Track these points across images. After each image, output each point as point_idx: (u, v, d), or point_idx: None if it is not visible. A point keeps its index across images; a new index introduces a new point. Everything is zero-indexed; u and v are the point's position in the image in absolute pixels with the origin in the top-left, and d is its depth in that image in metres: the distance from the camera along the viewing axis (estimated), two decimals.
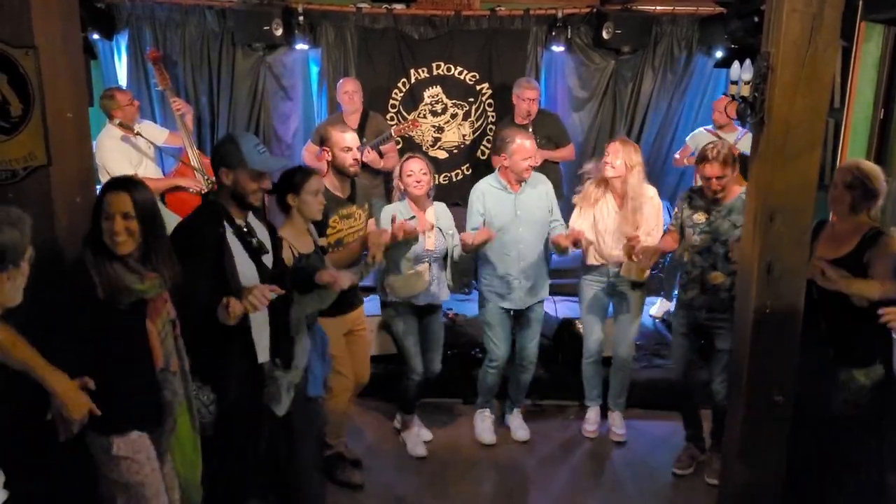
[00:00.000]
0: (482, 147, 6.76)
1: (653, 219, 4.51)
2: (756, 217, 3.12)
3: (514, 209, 4.47)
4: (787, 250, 3.08)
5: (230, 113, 6.63)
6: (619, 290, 4.61)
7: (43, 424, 2.50)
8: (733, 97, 3.13)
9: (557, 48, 6.56)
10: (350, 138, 3.98)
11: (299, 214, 3.57)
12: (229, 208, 3.11)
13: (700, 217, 4.15)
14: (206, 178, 5.25)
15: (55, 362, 2.45)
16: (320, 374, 3.62)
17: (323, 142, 5.66)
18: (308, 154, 5.98)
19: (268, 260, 3.19)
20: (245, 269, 3.05)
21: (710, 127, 6.18)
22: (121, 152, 5.09)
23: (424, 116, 6.66)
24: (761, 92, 2.99)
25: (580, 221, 4.57)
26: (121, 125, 5.08)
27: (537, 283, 4.57)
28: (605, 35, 6.33)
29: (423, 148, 6.74)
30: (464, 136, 6.78)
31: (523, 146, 4.39)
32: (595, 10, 6.49)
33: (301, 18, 6.24)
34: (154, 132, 5.47)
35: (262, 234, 3.23)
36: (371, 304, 4.71)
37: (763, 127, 3.03)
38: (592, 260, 4.58)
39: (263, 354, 3.14)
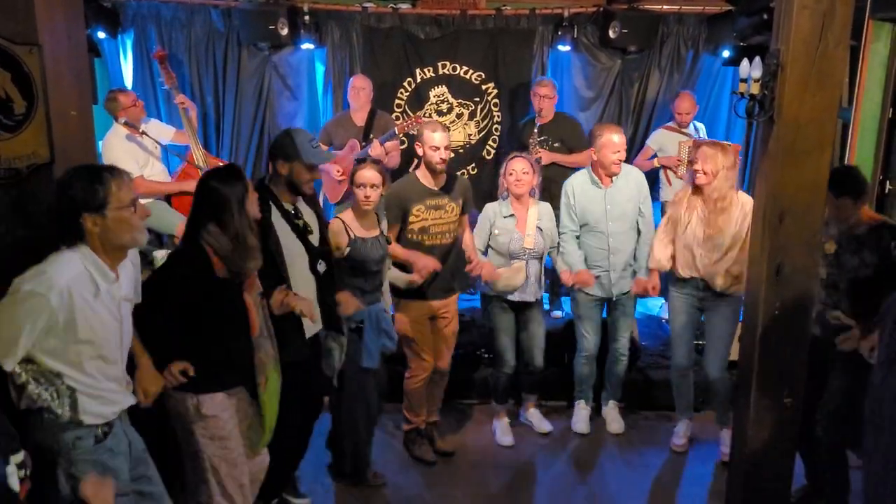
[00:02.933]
0: (488, 146, 6.73)
1: (739, 224, 4.20)
2: (765, 217, 3.09)
3: (603, 204, 4.53)
4: (796, 251, 3.06)
5: (235, 112, 6.62)
6: (712, 303, 4.40)
7: None
8: (742, 95, 3.09)
9: (563, 48, 6.53)
10: (438, 138, 4.17)
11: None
12: (279, 194, 3.45)
13: (830, 247, 3.67)
14: None
15: (162, 334, 2.87)
16: (374, 348, 3.92)
17: (331, 139, 5.70)
18: None
19: (314, 239, 3.54)
20: (292, 246, 3.42)
21: (670, 124, 6.16)
22: (127, 151, 5.09)
23: (430, 116, 6.64)
24: (771, 90, 2.96)
25: (664, 236, 4.45)
26: (126, 124, 5.08)
27: (627, 274, 4.63)
28: (611, 34, 6.30)
29: None
30: (469, 135, 6.75)
31: (611, 140, 4.44)
32: (601, 9, 6.46)
33: (306, 18, 6.22)
34: (160, 130, 5.47)
35: (309, 217, 3.57)
36: None
37: (773, 125, 3.00)
38: (683, 272, 4.41)
39: (310, 329, 3.51)
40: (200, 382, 2.92)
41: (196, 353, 2.89)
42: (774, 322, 3.13)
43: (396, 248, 4.16)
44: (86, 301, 2.44)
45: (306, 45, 6.38)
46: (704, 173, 4.20)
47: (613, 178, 4.53)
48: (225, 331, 2.98)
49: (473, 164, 6.74)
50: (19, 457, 2.00)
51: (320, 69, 6.70)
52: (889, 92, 5.08)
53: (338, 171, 5.70)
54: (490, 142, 6.73)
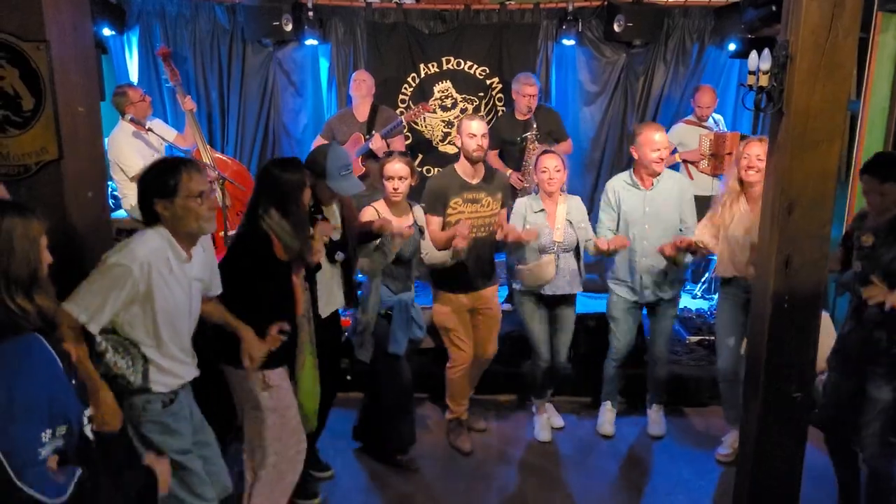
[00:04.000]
0: None
1: None
2: (774, 208, 3.07)
3: (642, 205, 4.40)
4: (805, 242, 3.03)
5: (240, 109, 6.63)
6: None
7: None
8: (751, 87, 3.07)
9: (568, 42, 6.53)
10: (475, 126, 4.22)
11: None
12: (318, 198, 3.64)
13: (867, 239, 3.49)
14: (217, 174, 5.24)
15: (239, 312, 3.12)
16: (402, 336, 4.05)
17: (335, 135, 5.70)
18: None
19: (334, 233, 3.72)
20: None
21: (689, 118, 6.15)
22: (134, 147, 5.09)
23: (434, 111, 6.64)
24: (780, 81, 2.94)
25: (704, 230, 4.29)
26: (133, 121, 5.08)
27: (666, 280, 4.46)
28: (616, 28, 6.29)
29: (433, 143, 6.72)
30: None
31: (650, 138, 4.31)
32: (606, 2, 6.45)
33: (310, 14, 6.24)
34: (164, 129, 5.47)
35: (329, 211, 3.74)
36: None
37: (782, 117, 2.98)
38: (726, 272, 4.25)
39: (323, 310, 3.71)
40: (267, 357, 3.15)
41: (257, 330, 3.11)
42: (783, 315, 3.11)
43: (437, 234, 4.28)
44: (161, 275, 2.67)
45: (310, 41, 6.39)
46: (758, 170, 4.01)
47: (655, 180, 4.39)
48: (279, 309, 3.21)
49: None
50: (89, 412, 2.17)
51: (324, 65, 6.70)
52: None
53: None
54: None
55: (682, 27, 6.59)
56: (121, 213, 5.39)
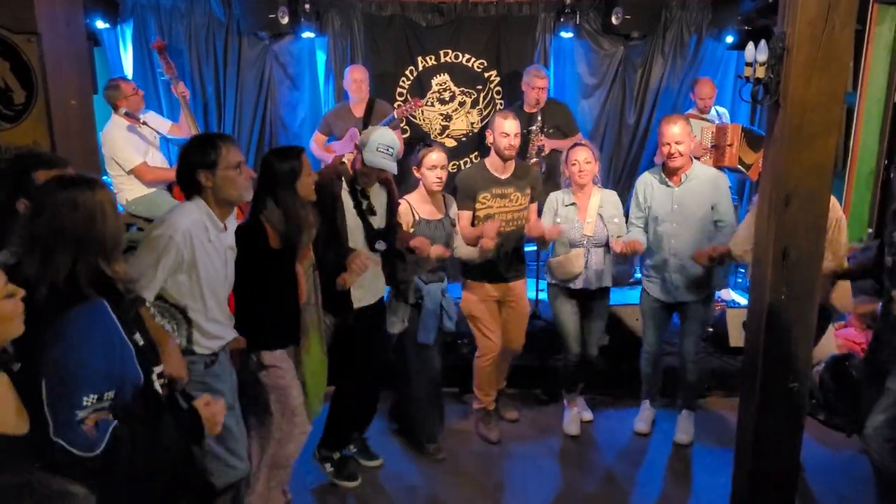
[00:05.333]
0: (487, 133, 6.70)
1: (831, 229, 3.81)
2: (771, 201, 3.06)
3: (671, 203, 4.30)
4: (802, 235, 3.04)
5: (237, 102, 6.60)
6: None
7: None
8: (747, 79, 3.06)
9: (566, 34, 6.50)
10: (509, 125, 4.28)
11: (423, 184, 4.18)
12: (358, 179, 3.79)
13: None
14: None
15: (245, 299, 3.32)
16: (431, 325, 4.15)
17: (331, 130, 5.69)
18: (316, 144, 5.95)
19: (376, 221, 3.85)
20: (352, 224, 3.76)
21: (691, 111, 6.13)
22: (128, 141, 5.06)
23: (432, 105, 6.61)
24: (777, 73, 2.93)
25: (745, 231, 4.03)
26: (126, 115, 5.05)
27: (694, 280, 4.32)
28: (614, 20, 6.26)
29: (431, 136, 6.69)
30: (472, 124, 6.72)
31: (661, 130, 4.24)
32: None
33: (307, 6, 6.18)
34: (158, 121, 5.45)
35: (376, 199, 3.88)
36: None
37: (779, 109, 2.98)
38: None
39: (357, 303, 3.83)
40: (263, 339, 3.35)
41: (258, 312, 3.31)
42: (781, 307, 3.11)
43: (466, 229, 4.35)
44: (202, 244, 2.88)
45: (307, 34, 6.35)
46: None
47: (685, 176, 4.26)
48: (277, 295, 3.35)
49: (476, 153, 6.70)
50: (160, 368, 2.31)
51: (321, 58, 6.67)
52: (894, 76, 5.05)
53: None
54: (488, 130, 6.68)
55: (680, 19, 6.56)
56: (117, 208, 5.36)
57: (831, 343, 4.93)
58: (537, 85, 5.76)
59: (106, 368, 2.04)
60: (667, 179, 4.31)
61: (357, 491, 4.06)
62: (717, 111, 6.18)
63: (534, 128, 5.73)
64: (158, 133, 5.28)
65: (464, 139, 6.70)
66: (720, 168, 5.74)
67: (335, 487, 4.06)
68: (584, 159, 4.33)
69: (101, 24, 6.11)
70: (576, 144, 4.46)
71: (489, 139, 4.42)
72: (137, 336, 2.19)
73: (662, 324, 4.54)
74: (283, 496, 3.69)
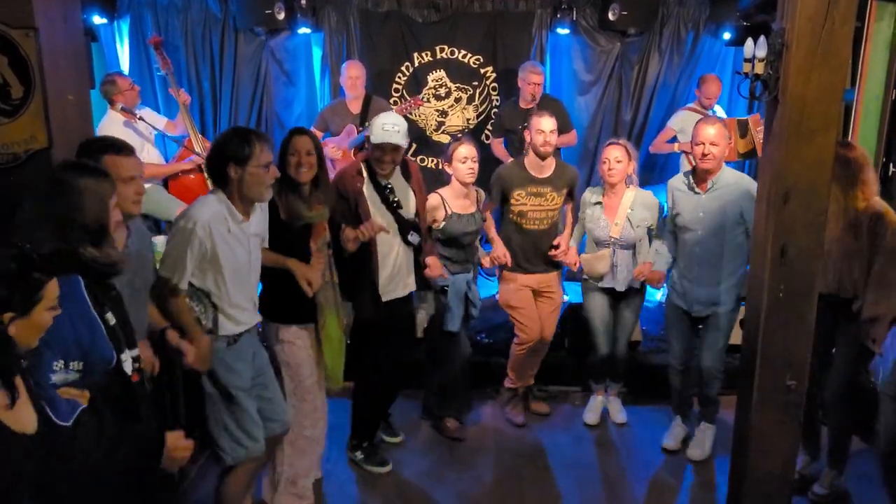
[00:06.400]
0: (486, 131, 6.70)
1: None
2: (770, 198, 3.05)
3: (696, 210, 4.05)
4: (801, 232, 3.02)
5: (233, 98, 6.60)
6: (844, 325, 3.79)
7: None
8: (746, 75, 3.05)
9: (562, 31, 6.51)
10: (545, 123, 4.33)
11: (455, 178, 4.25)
12: (375, 167, 3.85)
13: None
14: None
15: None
16: (457, 314, 4.27)
17: (328, 126, 5.68)
18: None
19: (404, 213, 3.93)
20: (382, 216, 3.83)
21: (692, 105, 6.13)
22: (124, 136, 5.03)
23: (428, 101, 6.61)
24: (776, 69, 2.92)
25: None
26: (123, 110, 5.04)
27: (716, 291, 4.09)
28: (610, 16, 6.27)
29: (427, 132, 6.70)
30: (468, 120, 6.72)
31: (698, 132, 4.00)
32: None
33: (303, 2, 6.19)
34: (153, 118, 5.44)
35: (402, 192, 3.95)
36: None
37: (778, 105, 2.97)
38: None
39: (388, 295, 3.93)
40: (279, 313, 3.51)
41: (274, 287, 3.45)
42: (779, 304, 3.09)
43: (490, 227, 4.52)
44: (222, 235, 3.00)
45: (303, 30, 6.35)
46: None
47: (712, 181, 4.00)
48: (286, 271, 3.40)
49: None
50: (136, 352, 2.40)
51: (317, 54, 6.66)
52: (892, 73, 5.04)
53: (335, 150, 5.69)
54: (489, 126, 6.68)
55: (677, 15, 6.57)
56: None
57: None
58: (533, 81, 5.76)
59: (74, 337, 2.16)
60: (694, 185, 4.08)
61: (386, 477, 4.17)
62: (712, 110, 6.17)
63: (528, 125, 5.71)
64: (154, 129, 5.27)
65: (459, 135, 6.68)
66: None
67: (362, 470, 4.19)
68: (614, 158, 4.26)
69: (98, 20, 6.11)
70: (610, 142, 4.39)
71: (526, 137, 4.49)
72: (109, 315, 2.30)
73: (688, 335, 4.31)
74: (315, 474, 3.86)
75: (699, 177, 4.06)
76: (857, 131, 5.06)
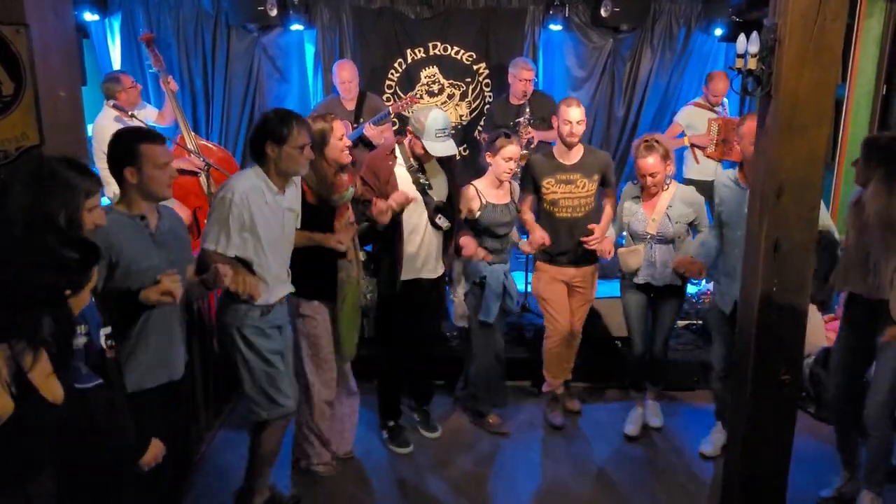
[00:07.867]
0: (479, 127, 6.69)
1: None
2: (763, 193, 3.06)
3: (741, 207, 3.70)
4: (794, 227, 3.03)
5: (225, 95, 6.58)
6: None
7: None
8: (739, 71, 3.05)
9: (555, 27, 6.51)
10: (573, 113, 4.33)
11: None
12: (406, 150, 4.07)
13: None
14: (202, 159, 5.19)
15: None
16: (493, 305, 4.34)
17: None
18: None
19: (434, 195, 4.08)
20: (412, 195, 3.97)
21: (698, 100, 6.14)
22: None
23: (421, 97, 6.60)
24: (768, 65, 2.92)
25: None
26: (115, 107, 5.03)
27: None
28: (603, 13, 6.28)
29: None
30: (461, 116, 6.72)
31: (754, 128, 3.51)
32: None
33: None
34: (145, 113, 5.45)
35: (434, 175, 4.13)
36: None
37: (770, 100, 2.97)
38: (843, 286, 3.74)
39: (414, 274, 4.13)
40: (302, 289, 3.62)
41: (299, 264, 3.56)
42: (772, 299, 3.11)
43: (526, 214, 4.50)
44: (259, 206, 3.21)
45: (296, 27, 6.34)
46: None
47: None
48: (315, 248, 3.60)
49: (465, 145, 6.70)
50: (108, 330, 2.45)
51: (310, 51, 6.64)
52: (883, 69, 5.07)
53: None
54: (482, 122, 6.68)
55: (669, 12, 6.58)
56: (104, 201, 5.31)
57: (821, 336, 4.94)
58: (524, 76, 5.76)
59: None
60: (739, 180, 3.94)
61: (410, 458, 4.31)
62: (720, 107, 6.17)
63: (522, 119, 5.73)
64: (146, 123, 5.25)
65: (452, 132, 6.67)
66: (722, 161, 5.76)
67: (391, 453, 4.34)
68: (650, 171, 4.16)
69: (89, 16, 6.08)
70: (641, 155, 4.21)
71: (554, 125, 4.53)
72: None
73: (724, 337, 4.14)
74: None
75: (747, 173, 3.86)
76: (848, 127, 5.09)
